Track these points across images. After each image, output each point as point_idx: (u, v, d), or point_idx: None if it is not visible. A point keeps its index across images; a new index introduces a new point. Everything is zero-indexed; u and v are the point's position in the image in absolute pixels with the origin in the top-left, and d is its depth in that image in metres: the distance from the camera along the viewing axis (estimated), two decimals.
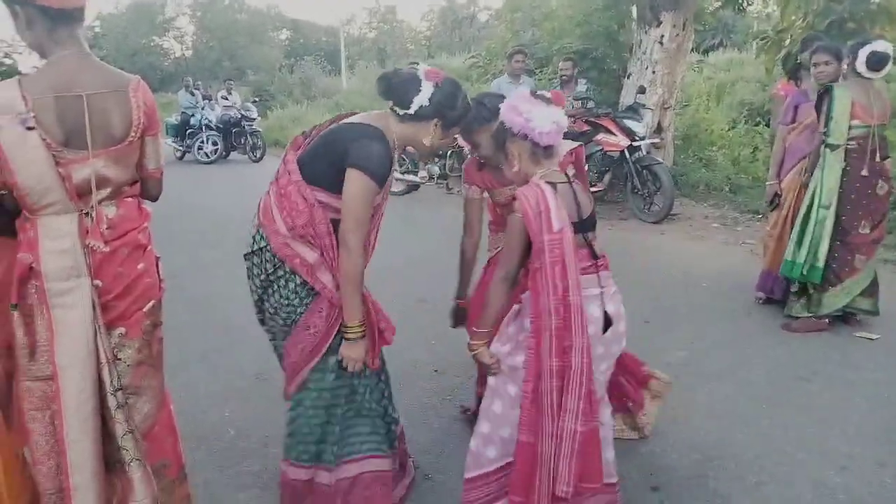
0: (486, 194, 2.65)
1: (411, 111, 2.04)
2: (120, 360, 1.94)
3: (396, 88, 2.06)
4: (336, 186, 2.00)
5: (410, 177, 8.70)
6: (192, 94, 13.40)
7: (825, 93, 3.87)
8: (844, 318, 4.10)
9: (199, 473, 2.45)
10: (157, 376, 2.07)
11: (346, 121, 2.15)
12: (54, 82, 1.75)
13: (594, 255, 2.03)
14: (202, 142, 12.77)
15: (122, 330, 1.94)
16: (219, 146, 12.85)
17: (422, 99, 2.03)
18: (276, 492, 2.45)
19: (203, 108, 13.05)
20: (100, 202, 1.86)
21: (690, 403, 3.16)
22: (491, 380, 2.13)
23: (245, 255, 2.18)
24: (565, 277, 1.87)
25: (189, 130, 13.04)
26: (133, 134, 1.87)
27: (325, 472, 2.19)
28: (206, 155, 12.75)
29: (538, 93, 2.04)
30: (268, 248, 2.09)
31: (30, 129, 1.69)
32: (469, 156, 2.72)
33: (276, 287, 2.11)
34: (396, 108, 2.08)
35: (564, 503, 1.92)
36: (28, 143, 1.70)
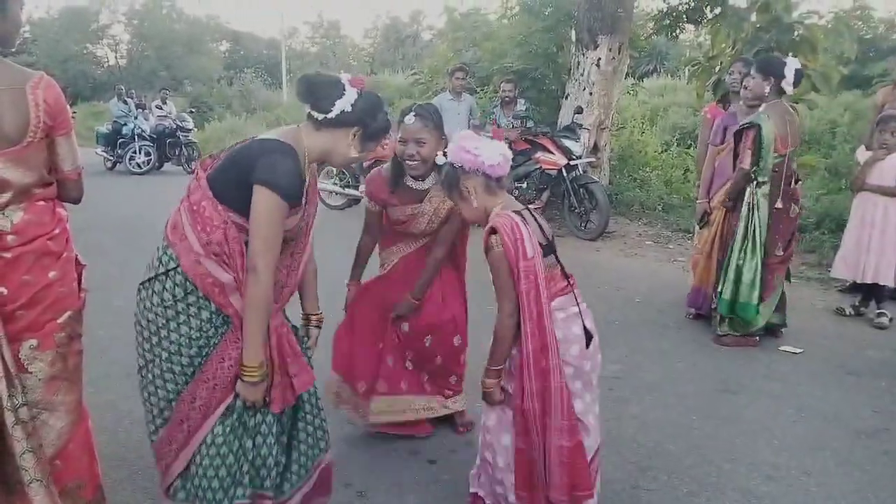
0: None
1: (332, 115, 1.90)
2: (31, 373, 1.83)
3: (319, 89, 1.92)
4: (246, 207, 1.83)
5: (350, 191, 8.63)
6: (125, 103, 12.96)
7: (749, 128, 3.90)
8: (771, 331, 4.25)
9: (119, 493, 2.32)
10: (73, 391, 1.96)
11: (255, 137, 2.00)
12: None
13: (565, 275, 2.12)
14: (134, 152, 12.35)
15: (33, 342, 1.83)
16: (152, 157, 12.45)
17: (344, 103, 1.90)
18: None
19: (136, 118, 12.64)
20: (4, 206, 1.75)
21: (624, 415, 3.20)
22: (488, 415, 2.18)
23: (143, 284, 1.94)
24: (539, 303, 1.97)
25: (120, 140, 12.59)
26: (32, 134, 1.76)
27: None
28: (139, 165, 12.34)
29: (477, 130, 2.12)
30: (178, 269, 1.87)
31: None
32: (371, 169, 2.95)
33: (184, 318, 1.88)
34: (315, 113, 1.93)
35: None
36: None
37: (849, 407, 3.36)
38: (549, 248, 2.08)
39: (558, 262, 2.11)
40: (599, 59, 7.92)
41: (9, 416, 1.73)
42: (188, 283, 1.87)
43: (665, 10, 8.43)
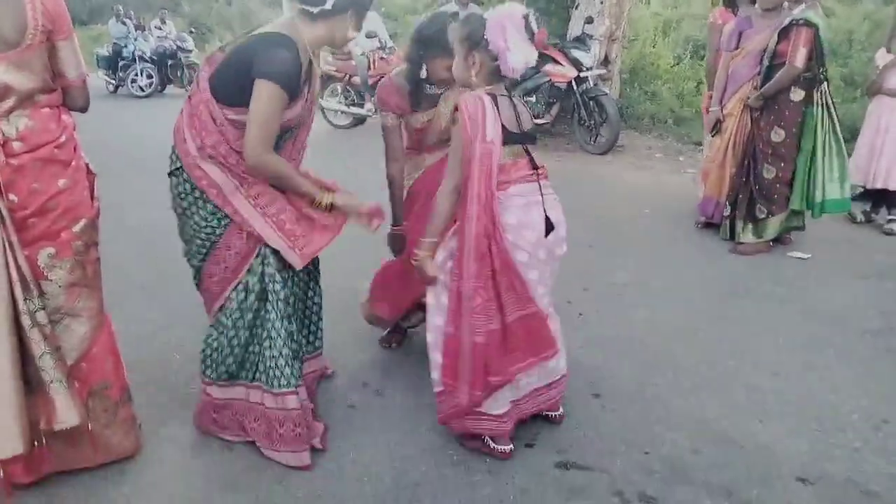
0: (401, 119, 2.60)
1: (328, 6, 1.95)
2: (52, 280, 1.88)
3: None
4: (247, 102, 1.92)
5: (356, 109, 8.52)
6: (124, 24, 12.64)
7: (804, 25, 3.81)
8: (780, 238, 4.26)
9: (141, 394, 2.40)
10: (93, 297, 2.01)
11: (253, 32, 2.04)
12: None
13: (534, 165, 2.10)
14: (136, 74, 12.15)
15: (51, 250, 1.86)
16: (154, 79, 12.25)
17: None
18: None
19: (136, 39, 12.36)
20: (7, 112, 1.75)
21: (632, 320, 3.26)
22: (429, 296, 2.18)
23: (168, 174, 2.13)
24: (489, 187, 1.96)
25: (122, 62, 12.36)
26: (31, 37, 1.74)
27: (257, 390, 2.18)
28: (141, 88, 12.16)
29: (530, 21, 2.00)
30: (181, 168, 2.06)
31: None
32: (383, 82, 2.63)
33: (194, 208, 2.09)
34: (309, 7, 1.98)
35: (493, 389, 2.10)
36: None
37: (854, 308, 3.40)
38: (518, 137, 2.06)
39: (527, 152, 2.10)
40: None
41: (25, 320, 1.78)
42: (190, 181, 2.05)
43: None
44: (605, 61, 7.93)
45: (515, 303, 2.05)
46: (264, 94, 1.89)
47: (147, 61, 12.24)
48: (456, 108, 2.01)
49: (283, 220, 2.08)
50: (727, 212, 4.32)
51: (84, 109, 1.99)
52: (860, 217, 4.83)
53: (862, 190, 4.89)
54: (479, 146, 1.94)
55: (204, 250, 2.13)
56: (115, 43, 12.53)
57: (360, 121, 8.61)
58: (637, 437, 2.33)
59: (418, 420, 2.42)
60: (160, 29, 12.85)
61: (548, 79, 7.11)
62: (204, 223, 2.09)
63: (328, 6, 1.95)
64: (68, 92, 1.92)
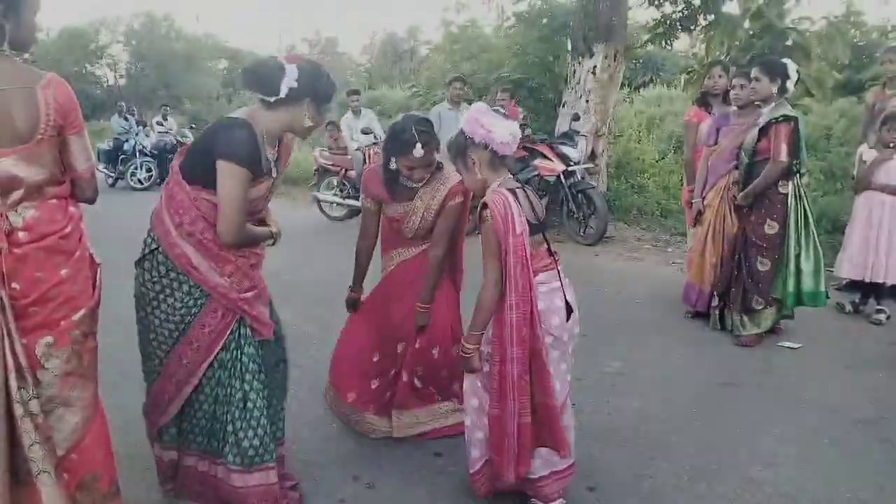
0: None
1: (282, 94, 2.08)
2: (47, 369, 1.87)
3: (262, 77, 2.10)
4: (212, 183, 2.06)
5: (351, 202, 8.71)
6: (126, 120, 13.07)
7: (784, 122, 3.95)
8: (772, 328, 4.30)
9: (131, 489, 2.36)
10: (88, 387, 2.00)
11: (217, 120, 2.24)
12: None
13: (550, 252, 2.25)
14: (136, 168, 12.43)
15: (49, 339, 1.86)
16: (153, 172, 12.51)
17: (289, 81, 2.08)
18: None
19: (137, 134, 12.73)
20: (15, 203, 1.80)
21: (626, 409, 3.25)
22: (466, 382, 2.31)
23: (136, 262, 2.22)
24: (525, 276, 2.09)
25: (122, 157, 12.67)
26: (42, 132, 1.81)
27: (221, 467, 2.26)
28: (140, 181, 12.40)
29: (495, 108, 2.20)
30: (159, 249, 2.16)
31: None
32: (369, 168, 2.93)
33: (169, 290, 2.17)
34: (266, 98, 2.11)
35: (523, 482, 2.26)
36: None
37: (847, 398, 3.41)
38: (538, 227, 2.20)
39: (545, 240, 2.24)
40: (595, 66, 8.02)
41: (18, 409, 1.77)
42: (168, 261, 2.15)
43: (659, 18, 8.56)
44: (592, 156, 8.22)
45: (546, 390, 2.17)
46: (226, 174, 2.04)
47: (147, 155, 12.55)
48: (484, 206, 2.13)
49: (251, 299, 2.21)
50: (716, 302, 4.40)
51: (92, 201, 2.04)
52: (849, 307, 4.89)
53: (847, 281, 4.98)
54: (511, 239, 2.07)
55: (177, 334, 2.18)
56: (116, 138, 12.89)
57: (354, 213, 8.78)
58: None
59: None
60: (161, 125, 13.25)
61: (537, 172, 7.34)
62: (180, 304, 2.16)
63: (282, 95, 2.08)
64: (77, 183, 1.98)
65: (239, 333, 2.21)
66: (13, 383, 1.76)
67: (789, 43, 7.30)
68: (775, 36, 7.36)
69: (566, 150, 7.36)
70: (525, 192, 2.22)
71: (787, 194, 4.05)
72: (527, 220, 2.13)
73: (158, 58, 31.79)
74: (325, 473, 2.64)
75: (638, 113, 12.40)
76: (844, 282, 5.10)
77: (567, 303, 2.22)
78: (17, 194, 1.80)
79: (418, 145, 2.53)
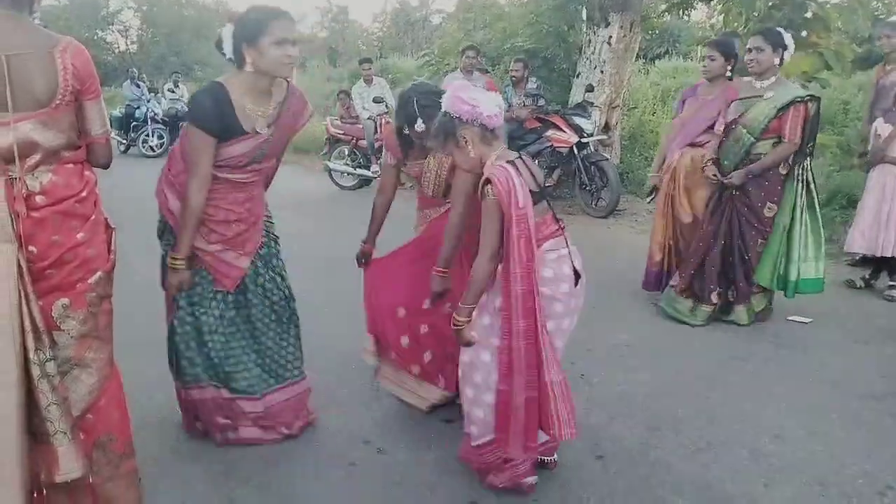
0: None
1: (230, 56, 2.28)
2: (64, 331, 1.90)
3: (219, 46, 2.32)
4: None
5: (362, 171, 8.70)
6: (138, 87, 13.05)
7: (806, 101, 3.75)
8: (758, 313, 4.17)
9: (145, 450, 2.40)
10: (103, 349, 2.03)
11: None
12: None
13: (556, 219, 2.22)
14: (147, 135, 12.46)
15: (65, 301, 1.89)
16: (165, 139, 12.55)
17: (227, 41, 2.27)
18: (223, 466, 2.46)
19: (149, 101, 12.73)
20: (33, 167, 1.81)
21: (634, 381, 3.27)
22: (465, 356, 2.27)
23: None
24: (529, 249, 2.06)
25: (133, 123, 12.69)
26: (60, 97, 1.82)
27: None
28: (152, 148, 12.44)
29: (511, 75, 2.19)
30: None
31: None
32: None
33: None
34: (234, 64, 2.30)
35: (533, 453, 2.25)
36: None
37: (856, 373, 3.40)
38: (540, 195, 2.17)
39: (550, 207, 2.22)
40: (611, 36, 7.90)
41: (35, 370, 1.80)
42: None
43: None
44: (606, 128, 8.15)
45: (554, 363, 2.14)
46: (187, 134, 2.30)
47: (158, 122, 12.57)
48: (487, 181, 2.09)
49: (216, 251, 2.46)
50: (675, 281, 4.20)
51: (107, 166, 2.06)
52: (860, 283, 4.86)
53: (861, 256, 4.95)
54: (514, 213, 2.04)
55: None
56: (128, 105, 12.89)
57: (365, 182, 8.78)
58: (640, 501, 2.31)
59: (420, 477, 2.41)
60: (173, 92, 13.24)
61: (550, 144, 7.29)
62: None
63: (230, 56, 2.29)
64: (92, 149, 1.99)
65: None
66: (31, 345, 1.79)
67: (808, 15, 7.15)
68: (795, 7, 7.19)
69: (579, 121, 7.29)
70: (523, 161, 2.19)
71: (785, 175, 3.87)
72: (529, 190, 2.10)
73: (169, 25, 31.60)
74: (337, 438, 2.68)
75: (653, 84, 12.23)
76: (858, 256, 5.06)
77: (575, 269, 2.21)
78: (34, 159, 1.81)
79: (419, 121, 2.50)
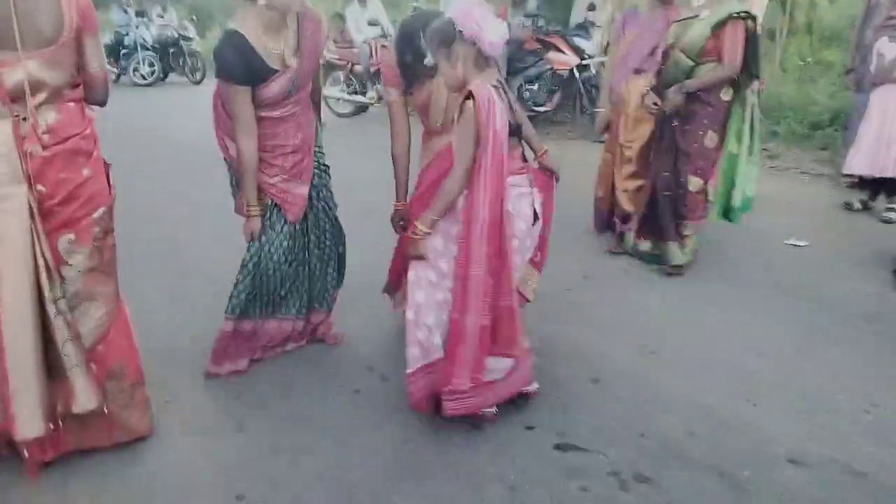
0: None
1: None
2: (71, 265, 1.94)
3: None
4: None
5: (359, 97, 8.56)
6: (126, 13, 12.65)
7: (740, 19, 3.35)
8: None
9: (152, 377, 2.47)
10: (109, 282, 2.08)
11: None
12: None
13: (524, 158, 2.23)
14: (138, 63, 12.17)
15: (71, 236, 1.93)
16: (156, 67, 12.28)
17: None
18: (234, 387, 2.56)
19: (137, 27, 12.37)
20: (38, 106, 1.81)
21: (631, 305, 3.34)
22: (412, 273, 2.26)
23: None
24: (500, 177, 2.04)
25: (123, 51, 12.38)
26: (66, 34, 1.81)
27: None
28: (143, 77, 12.18)
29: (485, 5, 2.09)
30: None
31: None
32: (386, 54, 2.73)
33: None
34: None
35: (480, 382, 2.19)
36: None
37: (847, 293, 3.48)
38: (514, 129, 2.15)
39: (521, 144, 2.22)
40: None
41: (51, 308, 1.86)
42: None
43: None
44: (608, 48, 7.95)
45: (507, 291, 2.14)
46: (223, 91, 2.36)
47: (149, 50, 12.26)
48: (468, 97, 2.05)
49: (278, 182, 2.51)
50: (623, 225, 3.97)
51: (103, 103, 2.06)
52: (857, 205, 4.88)
53: (859, 178, 4.94)
54: (490, 134, 2.00)
55: None
56: (116, 31, 12.53)
57: (362, 109, 8.66)
58: (634, 421, 2.41)
59: None
60: (161, 17, 12.84)
61: (550, 66, 7.15)
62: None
63: None
64: (90, 85, 1.99)
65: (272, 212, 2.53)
66: (45, 283, 1.83)
67: None
68: None
69: (580, 42, 7.13)
70: (504, 90, 2.17)
71: (729, 101, 3.52)
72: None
73: None
74: (342, 365, 2.76)
75: None
76: (856, 179, 5.05)
77: (535, 210, 2.22)
78: (40, 97, 1.81)
79: (429, 55, 2.33)
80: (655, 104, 3.64)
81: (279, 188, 2.50)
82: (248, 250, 2.55)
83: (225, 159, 2.58)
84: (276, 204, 2.53)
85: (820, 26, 9.31)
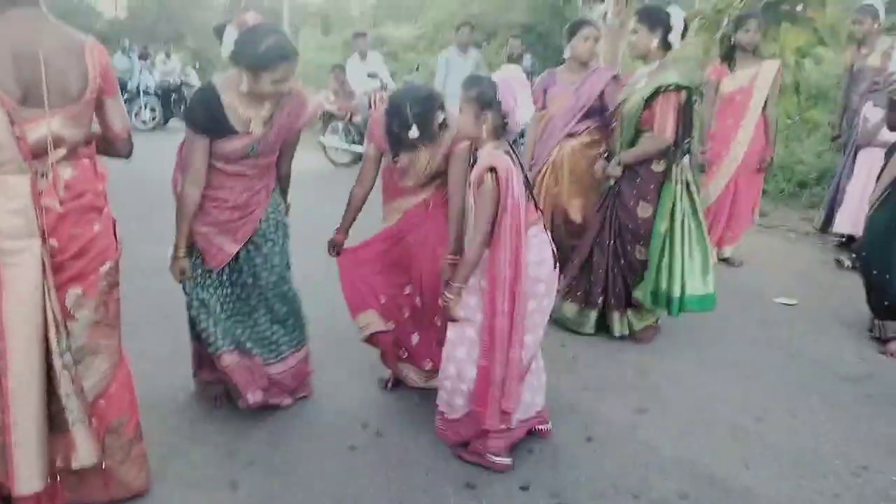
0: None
1: (224, 56, 2.33)
2: (77, 319, 1.98)
3: (218, 36, 2.35)
4: None
5: (357, 147, 8.71)
6: (129, 58, 12.90)
7: (674, 90, 3.24)
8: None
9: (150, 433, 2.48)
10: (113, 336, 2.12)
11: None
12: (10, 40, 1.75)
13: (536, 206, 2.41)
14: (140, 108, 12.35)
15: (79, 290, 1.97)
16: (157, 113, 12.46)
17: (227, 45, 2.29)
18: (226, 448, 2.55)
19: (140, 72, 12.59)
20: (56, 162, 1.87)
21: (623, 364, 3.37)
22: (450, 332, 2.43)
23: None
24: (519, 236, 2.23)
25: (126, 96, 12.55)
26: (89, 92, 1.88)
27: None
28: (144, 122, 12.34)
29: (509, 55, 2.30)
30: None
31: None
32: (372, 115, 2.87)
33: None
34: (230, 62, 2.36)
35: (508, 416, 2.39)
36: None
37: (838, 354, 3.53)
38: (527, 184, 2.35)
39: (532, 195, 2.39)
40: (606, 13, 7.87)
41: (57, 361, 1.89)
42: None
43: None
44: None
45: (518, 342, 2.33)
46: (186, 134, 2.44)
47: (151, 95, 12.45)
48: (491, 169, 2.20)
49: (207, 233, 2.57)
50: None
51: (128, 157, 2.14)
52: (847, 263, 4.97)
53: (847, 236, 5.04)
54: (510, 202, 2.18)
55: None
56: (119, 77, 12.71)
57: (360, 158, 8.78)
58: (628, 481, 2.42)
59: (418, 460, 2.51)
60: (165, 63, 13.10)
61: None
62: None
63: (224, 56, 2.32)
64: (114, 143, 2.07)
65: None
66: (52, 336, 1.87)
67: None
68: None
69: None
70: (515, 153, 2.33)
71: (660, 174, 3.38)
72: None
73: None
74: (337, 420, 2.78)
75: None
76: (845, 237, 5.16)
77: (554, 253, 2.41)
78: (59, 153, 1.88)
79: (413, 127, 2.49)
80: (603, 170, 3.55)
81: (205, 238, 2.57)
82: (185, 291, 2.66)
83: (174, 189, 2.61)
84: (199, 249, 2.60)
85: (807, 85, 9.59)
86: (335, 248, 2.95)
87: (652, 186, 3.40)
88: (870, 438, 2.74)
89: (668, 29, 3.35)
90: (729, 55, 4.76)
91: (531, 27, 8.94)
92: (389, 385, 3.03)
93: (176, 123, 12.93)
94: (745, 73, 4.62)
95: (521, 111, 2.25)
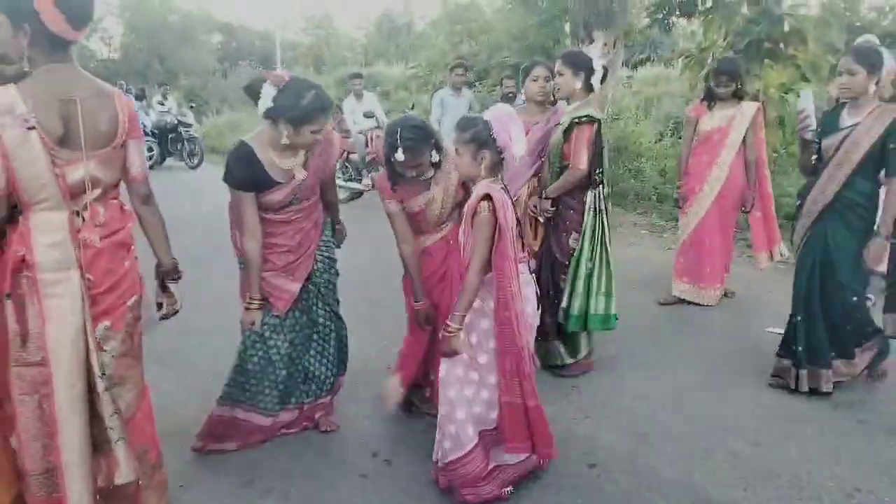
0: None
1: (261, 113, 2.47)
2: (105, 351, 2.07)
3: (253, 96, 2.52)
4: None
5: (353, 184, 8.87)
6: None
7: (586, 122, 3.38)
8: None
9: (170, 464, 2.55)
10: (137, 367, 2.22)
11: None
12: (52, 88, 1.90)
13: (523, 246, 2.51)
14: None
15: (107, 323, 2.08)
16: (154, 152, 12.62)
17: (265, 101, 2.44)
18: (245, 478, 2.62)
19: (137, 112, 12.74)
20: (92, 202, 2.00)
21: (623, 390, 3.48)
22: (442, 371, 2.46)
23: None
24: (514, 269, 2.32)
25: None
26: (120, 137, 2.03)
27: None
28: None
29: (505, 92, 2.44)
30: None
31: (30, 128, 1.83)
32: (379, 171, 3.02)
33: None
34: (264, 119, 2.52)
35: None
36: (28, 142, 1.84)
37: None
38: (516, 222, 2.45)
39: (521, 235, 2.49)
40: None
41: (99, 383, 2.00)
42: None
43: (658, 2, 8.65)
44: None
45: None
46: (231, 194, 2.61)
47: (148, 135, 12.62)
48: (486, 198, 2.30)
49: (268, 277, 2.72)
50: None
51: (146, 199, 2.23)
52: None
53: None
54: (507, 229, 2.28)
55: None
56: None
57: (357, 195, 8.95)
58: None
59: (426, 487, 2.60)
60: (162, 105, 13.31)
61: None
62: None
63: (261, 114, 2.47)
64: (132, 185, 2.18)
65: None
66: (94, 361, 1.98)
67: (787, 29, 7.41)
68: (772, 21, 7.45)
69: None
70: (507, 191, 2.43)
71: (586, 204, 3.51)
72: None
73: (152, 31, 31.48)
74: (347, 450, 2.86)
75: (635, 94, 12.50)
76: None
77: (537, 294, 2.52)
78: (95, 193, 2.01)
79: (399, 150, 2.56)
80: (535, 208, 3.66)
81: (268, 282, 2.70)
82: (244, 342, 2.76)
83: (234, 244, 2.78)
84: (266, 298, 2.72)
85: (791, 120, 9.86)
86: (427, 319, 2.86)
87: (578, 218, 3.53)
88: (862, 461, 2.84)
89: (590, 72, 3.51)
90: (709, 96, 4.82)
91: (521, 67, 9.19)
92: (413, 408, 3.15)
93: (172, 162, 13.11)
94: (724, 114, 4.69)
95: (518, 146, 2.36)
